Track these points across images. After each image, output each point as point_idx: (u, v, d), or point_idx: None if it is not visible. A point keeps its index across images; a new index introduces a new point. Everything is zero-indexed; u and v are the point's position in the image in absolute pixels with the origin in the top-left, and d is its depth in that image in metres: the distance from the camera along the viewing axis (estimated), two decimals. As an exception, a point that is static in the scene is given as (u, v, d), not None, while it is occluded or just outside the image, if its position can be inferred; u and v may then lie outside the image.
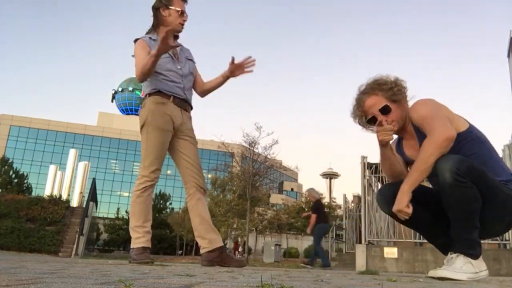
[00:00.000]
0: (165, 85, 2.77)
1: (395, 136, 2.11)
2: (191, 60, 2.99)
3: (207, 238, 2.72)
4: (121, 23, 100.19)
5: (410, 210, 1.83)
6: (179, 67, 2.84)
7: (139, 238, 2.70)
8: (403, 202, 1.83)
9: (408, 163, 2.08)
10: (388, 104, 1.96)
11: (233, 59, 2.81)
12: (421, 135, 1.93)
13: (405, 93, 2.00)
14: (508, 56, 25.88)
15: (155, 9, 2.80)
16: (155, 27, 2.85)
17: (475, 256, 1.80)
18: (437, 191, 1.99)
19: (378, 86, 1.99)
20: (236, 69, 2.86)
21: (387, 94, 1.97)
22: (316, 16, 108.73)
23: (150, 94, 2.79)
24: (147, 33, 2.88)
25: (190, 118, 2.92)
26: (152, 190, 2.82)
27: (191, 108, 2.95)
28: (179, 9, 2.76)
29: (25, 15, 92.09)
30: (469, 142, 1.89)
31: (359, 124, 2.10)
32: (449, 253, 1.86)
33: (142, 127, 2.79)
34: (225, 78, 2.91)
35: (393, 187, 2.00)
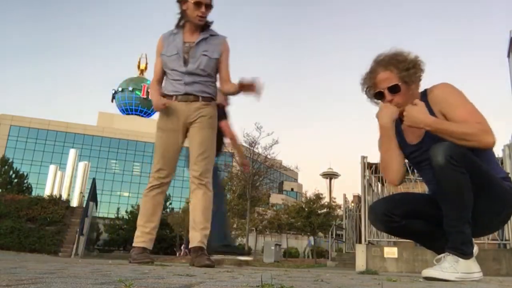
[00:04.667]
0: (169, 85, 2.76)
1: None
2: (207, 55, 2.72)
3: (189, 237, 2.72)
4: (122, 23, 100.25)
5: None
6: (183, 65, 2.70)
7: (138, 237, 2.71)
8: (416, 122, 1.82)
9: (404, 149, 2.04)
10: (399, 84, 1.89)
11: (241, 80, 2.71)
12: None
13: (420, 77, 1.92)
14: (508, 56, 25.86)
15: (178, 2, 2.73)
16: (180, 20, 2.78)
17: (466, 255, 1.75)
18: (431, 197, 1.99)
19: (395, 62, 1.90)
20: (245, 88, 2.70)
21: (401, 74, 1.88)
22: (315, 15, 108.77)
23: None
24: (177, 24, 2.80)
25: (200, 106, 2.73)
26: (161, 191, 2.79)
27: (201, 97, 2.73)
28: (196, 0, 2.63)
29: (25, 14, 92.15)
30: None
31: (366, 94, 2.04)
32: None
33: None
34: (238, 90, 2.76)
35: (385, 204, 2.00)
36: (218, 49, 2.77)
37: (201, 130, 2.73)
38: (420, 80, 1.94)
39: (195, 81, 2.72)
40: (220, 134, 3.66)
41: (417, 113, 1.82)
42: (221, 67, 2.80)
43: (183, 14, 2.72)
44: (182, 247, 30.11)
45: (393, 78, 1.90)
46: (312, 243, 28.11)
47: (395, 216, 1.93)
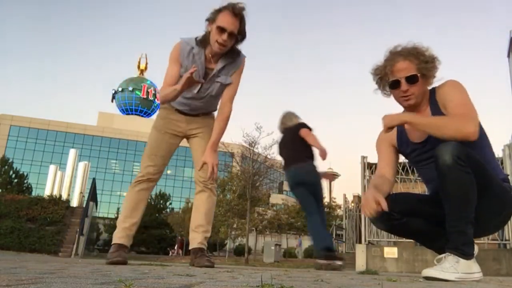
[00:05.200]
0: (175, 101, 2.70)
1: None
2: (220, 82, 2.60)
3: (189, 238, 2.71)
4: (122, 23, 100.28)
5: (385, 131, 1.87)
6: (195, 90, 2.60)
7: (116, 234, 2.67)
8: (393, 121, 1.85)
9: (406, 147, 2.04)
10: (418, 75, 1.89)
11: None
12: None
13: (435, 74, 1.94)
14: (508, 56, 25.86)
15: (206, 20, 2.47)
16: (202, 38, 2.51)
17: (467, 255, 1.74)
18: (431, 197, 1.98)
19: (416, 53, 1.91)
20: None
21: (420, 65, 1.89)
22: (315, 15, 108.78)
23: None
24: (199, 41, 2.51)
25: (200, 119, 2.76)
26: (147, 187, 2.74)
27: (201, 113, 2.76)
28: (219, 25, 2.37)
29: (25, 14, 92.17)
30: (479, 136, 1.87)
31: (377, 82, 2.03)
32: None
33: None
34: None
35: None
36: (232, 73, 2.61)
37: (203, 140, 2.72)
38: (434, 77, 1.94)
39: (200, 106, 2.69)
40: (305, 142, 4.10)
41: (392, 114, 1.89)
42: (226, 87, 2.63)
43: (207, 34, 2.47)
44: (175, 247, 30.11)
45: (412, 69, 1.90)
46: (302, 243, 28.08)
47: (395, 214, 1.93)
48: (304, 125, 4.21)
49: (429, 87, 1.98)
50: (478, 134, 1.75)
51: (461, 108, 1.81)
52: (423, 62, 1.89)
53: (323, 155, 4.11)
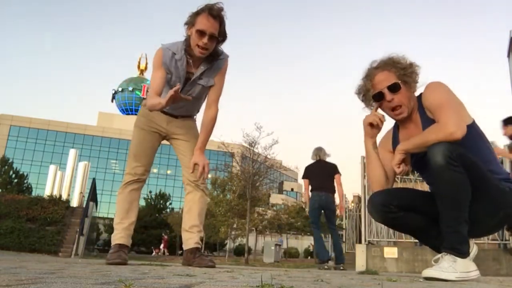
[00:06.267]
0: None
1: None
2: (201, 84, 2.58)
3: (183, 239, 2.71)
4: (122, 23, 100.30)
5: (399, 169, 1.89)
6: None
7: (116, 235, 2.67)
8: (395, 160, 1.89)
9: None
10: (399, 82, 1.89)
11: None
12: (428, 126, 1.87)
13: (416, 78, 1.93)
14: (508, 56, 25.84)
15: (185, 24, 2.42)
16: (184, 43, 2.47)
17: (462, 254, 1.75)
18: (430, 194, 1.99)
19: (392, 63, 1.92)
20: None
21: (399, 73, 1.90)
22: (317, 15, 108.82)
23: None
24: (181, 46, 2.47)
25: (182, 121, 2.77)
26: (138, 187, 2.76)
27: (180, 116, 2.76)
28: (198, 28, 2.33)
29: (25, 15, 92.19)
30: (473, 136, 1.86)
31: (362, 100, 2.03)
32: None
33: None
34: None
35: (384, 196, 2.00)
36: (215, 75, 2.58)
37: (189, 143, 2.73)
38: (416, 82, 1.94)
39: (180, 105, 2.64)
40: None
41: (395, 155, 1.92)
42: (211, 89, 2.61)
43: (188, 39, 2.44)
44: (161, 246, 29.97)
45: (392, 77, 1.91)
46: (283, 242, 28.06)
47: (392, 207, 1.94)
48: (339, 172, 6.12)
49: (416, 93, 1.98)
50: (463, 130, 1.74)
51: (438, 113, 1.81)
52: (401, 69, 1.90)
53: (341, 211, 6.43)
